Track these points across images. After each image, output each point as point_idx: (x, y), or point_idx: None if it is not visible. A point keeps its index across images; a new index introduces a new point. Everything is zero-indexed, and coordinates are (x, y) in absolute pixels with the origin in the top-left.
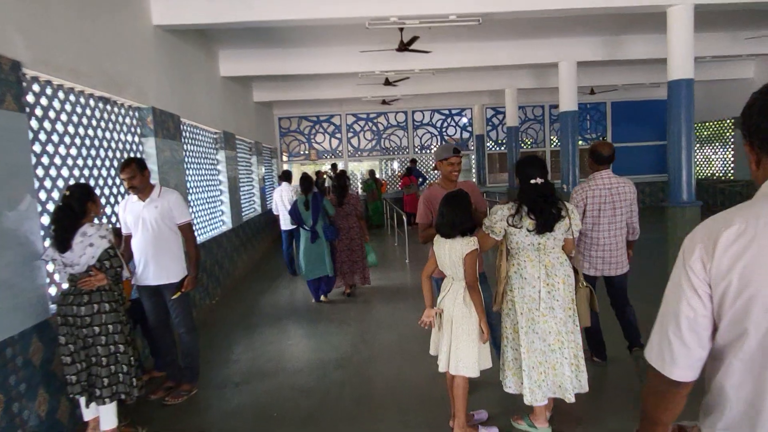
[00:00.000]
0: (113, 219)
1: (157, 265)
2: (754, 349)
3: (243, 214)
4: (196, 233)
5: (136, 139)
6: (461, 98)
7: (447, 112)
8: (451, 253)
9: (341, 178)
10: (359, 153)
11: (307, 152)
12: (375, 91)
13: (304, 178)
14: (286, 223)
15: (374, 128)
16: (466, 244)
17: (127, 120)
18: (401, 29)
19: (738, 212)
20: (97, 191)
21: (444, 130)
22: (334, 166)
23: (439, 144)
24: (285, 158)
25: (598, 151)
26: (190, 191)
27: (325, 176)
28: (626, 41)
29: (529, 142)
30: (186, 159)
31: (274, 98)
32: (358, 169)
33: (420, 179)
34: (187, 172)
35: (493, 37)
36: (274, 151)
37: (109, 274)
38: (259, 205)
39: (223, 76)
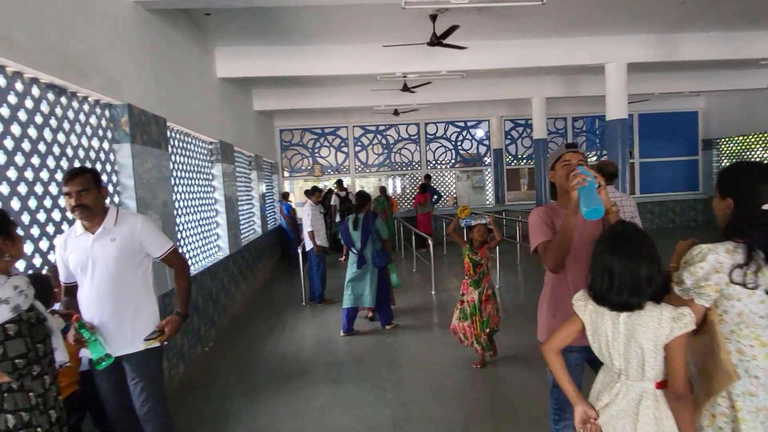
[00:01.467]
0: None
1: (118, 327)
2: None
3: (242, 237)
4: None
5: (105, 145)
6: (478, 109)
7: (462, 124)
8: (633, 335)
9: (362, 197)
10: (367, 168)
11: (310, 167)
12: (390, 99)
13: (360, 194)
14: (309, 241)
15: (384, 142)
16: (674, 320)
17: (93, 120)
18: (434, 17)
19: None
20: (35, 220)
21: (459, 143)
22: (339, 183)
23: (454, 159)
24: (286, 174)
25: (607, 168)
26: (179, 212)
27: (334, 194)
28: (680, 40)
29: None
30: (174, 173)
31: (276, 107)
32: (366, 186)
33: (434, 197)
34: (176, 189)
35: (533, 34)
36: (274, 166)
37: (18, 366)
38: (259, 225)
39: (221, 77)
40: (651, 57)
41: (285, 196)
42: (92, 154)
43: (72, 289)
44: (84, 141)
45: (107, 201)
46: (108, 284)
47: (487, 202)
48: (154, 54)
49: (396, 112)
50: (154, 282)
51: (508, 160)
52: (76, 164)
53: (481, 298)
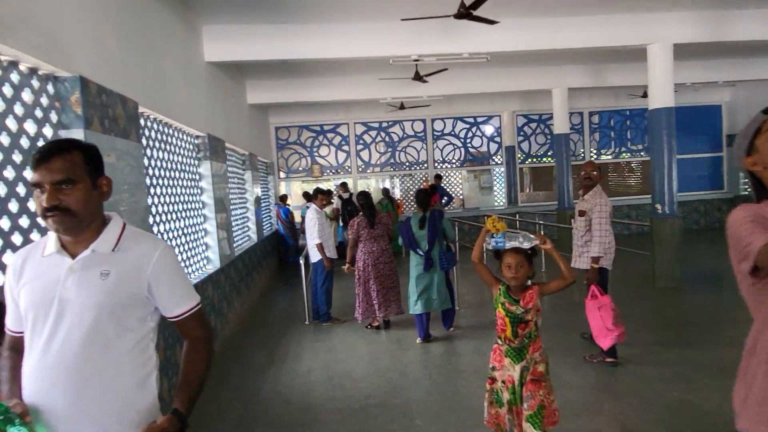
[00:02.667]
0: None
1: (89, 424)
2: None
3: (235, 246)
4: None
5: (48, 130)
6: (489, 103)
7: (472, 119)
8: None
9: (368, 197)
10: (371, 168)
11: (308, 168)
12: (398, 90)
13: (420, 191)
14: (313, 254)
15: (387, 139)
16: None
17: (26, 95)
18: None
19: None
20: None
21: (469, 140)
22: (344, 185)
23: (462, 157)
24: (282, 175)
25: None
26: (157, 219)
27: (336, 196)
28: (731, 18)
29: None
30: (151, 171)
31: (272, 100)
32: (369, 187)
33: (445, 198)
34: (154, 190)
35: (567, 11)
36: (270, 166)
37: None
38: (254, 232)
39: (210, 62)
40: (700, 37)
41: (283, 198)
42: (25, 143)
43: (18, 344)
44: (12, 124)
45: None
46: (77, 349)
47: (497, 204)
48: (123, 20)
49: (402, 106)
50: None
51: (521, 157)
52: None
53: (524, 377)
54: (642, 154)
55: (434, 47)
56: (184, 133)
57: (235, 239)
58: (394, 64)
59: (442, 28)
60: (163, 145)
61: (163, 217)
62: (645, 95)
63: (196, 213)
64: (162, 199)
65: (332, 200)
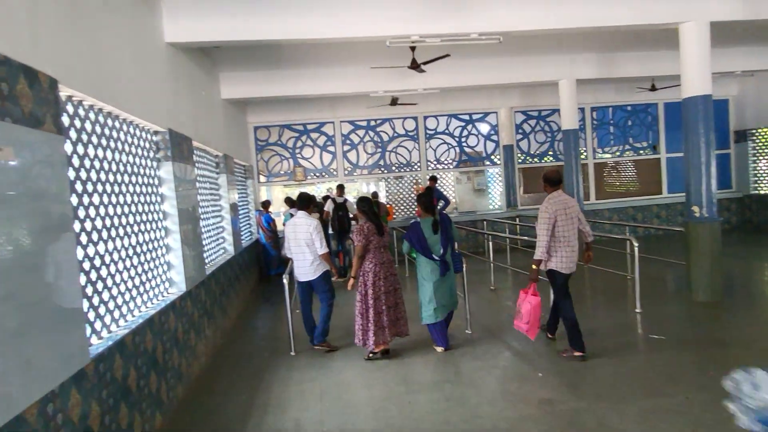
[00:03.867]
0: None
1: None
2: None
3: (208, 261)
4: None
5: None
6: (486, 99)
7: (467, 117)
8: None
9: (369, 203)
10: (358, 170)
11: (290, 171)
12: (391, 82)
13: (422, 195)
14: (305, 272)
15: (377, 139)
16: None
17: None
18: None
19: None
20: None
21: (464, 139)
22: (340, 187)
23: (457, 157)
24: (263, 179)
25: (551, 177)
26: (93, 238)
27: (329, 199)
28: None
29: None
30: (83, 173)
31: (249, 94)
32: (356, 192)
33: (442, 202)
34: (87, 198)
35: None
36: (249, 169)
37: None
38: (231, 243)
39: (171, 42)
40: (739, 14)
41: (265, 205)
42: None
43: None
44: None
45: None
46: None
47: (491, 207)
48: None
49: (394, 101)
50: None
51: (521, 158)
52: None
53: None
54: (647, 151)
55: (439, 25)
56: (135, 127)
57: (208, 254)
58: (392, 46)
59: (446, 3)
60: (101, 140)
61: (102, 235)
62: (653, 88)
63: (153, 226)
64: (102, 210)
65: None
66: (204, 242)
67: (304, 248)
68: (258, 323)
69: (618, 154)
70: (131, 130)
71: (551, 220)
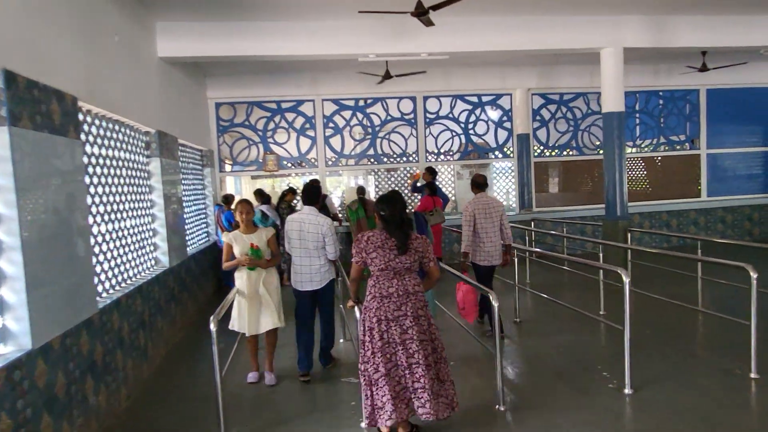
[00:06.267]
0: None
1: None
2: None
3: (121, 281)
4: None
5: None
6: (499, 78)
7: (476, 99)
8: None
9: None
10: (343, 160)
11: (260, 159)
12: (387, 42)
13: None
14: (310, 280)
15: (366, 122)
16: None
17: None
18: None
19: None
20: None
21: (472, 126)
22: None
23: (463, 147)
24: (229, 167)
25: (478, 181)
26: None
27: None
28: None
29: (593, 145)
30: None
31: (199, 52)
32: (341, 186)
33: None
34: None
35: None
36: (207, 155)
37: None
38: (165, 252)
39: None
40: None
41: (227, 200)
42: None
43: None
44: None
45: None
46: None
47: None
48: None
49: (388, 75)
50: None
51: (537, 150)
52: None
53: None
54: (685, 146)
55: None
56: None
57: (121, 269)
58: None
59: None
60: None
61: None
62: (704, 68)
63: (60, 232)
64: None
65: (296, 200)
66: (112, 253)
67: (312, 251)
68: (193, 367)
69: (651, 148)
70: None
71: (471, 217)
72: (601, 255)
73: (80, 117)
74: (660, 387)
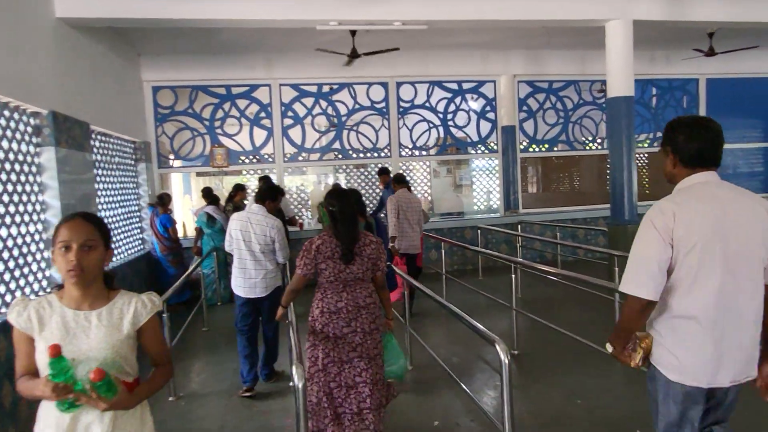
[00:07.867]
0: None
1: None
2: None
3: None
4: None
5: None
6: (479, 62)
7: (455, 86)
8: None
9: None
10: (304, 154)
11: (206, 153)
12: (354, 7)
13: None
14: (253, 286)
15: (331, 111)
16: None
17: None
18: None
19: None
20: None
21: (451, 116)
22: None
23: (441, 138)
24: (175, 163)
25: (400, 177)
26: None
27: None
28: None
29: (587, 140)
30: None
31: (113, 13)
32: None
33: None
34: None
35: None
36: (141, 148)
37: None
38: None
39: None
40: None
41: (162, 200)
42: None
43: None
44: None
45: None
46: None
47: (477, 208)
48: None
49: (355, 53)
50: None
51: (524, 144)
52: None
53: None
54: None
55: None
56: None
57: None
58: None
59: None
60: None
61: None
62: (711, 52)
63: None
64: None
65: (247, 200)
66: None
67: (258, 255)
68: None
69: (647, 143)
70: None
71: (396, 208)
72: (616, 270)
73: None
74: None
